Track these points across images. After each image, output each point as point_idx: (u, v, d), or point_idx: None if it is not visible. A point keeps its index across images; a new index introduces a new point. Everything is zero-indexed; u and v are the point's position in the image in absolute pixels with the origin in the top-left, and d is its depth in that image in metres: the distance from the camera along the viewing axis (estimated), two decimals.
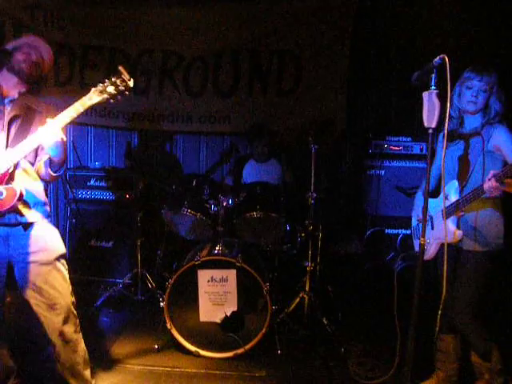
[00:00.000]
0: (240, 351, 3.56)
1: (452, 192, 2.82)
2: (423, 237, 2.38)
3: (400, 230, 4.92)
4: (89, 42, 5.32)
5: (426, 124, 2.29)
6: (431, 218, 3.02)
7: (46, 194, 2.74)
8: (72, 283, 2.77)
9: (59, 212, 5.05)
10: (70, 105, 5.23)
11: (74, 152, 5.24)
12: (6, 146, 2.49)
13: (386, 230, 4.95)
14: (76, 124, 5.38)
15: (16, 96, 2.60)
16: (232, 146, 5.33)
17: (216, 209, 3.88)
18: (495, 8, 4.41)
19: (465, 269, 2.86)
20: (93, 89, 2.45)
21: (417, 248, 3.00)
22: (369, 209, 4.96)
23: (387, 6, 4.85)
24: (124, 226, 4.83)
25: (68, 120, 2.41)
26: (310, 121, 5.04)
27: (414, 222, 3.26)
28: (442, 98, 2.23)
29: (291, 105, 5.26)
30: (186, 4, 5.18)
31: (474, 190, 2.64)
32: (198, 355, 3.58)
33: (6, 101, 2.58)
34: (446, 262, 2.42)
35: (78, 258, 4.79)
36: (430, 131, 2.29)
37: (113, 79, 2.44)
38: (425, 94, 2.28)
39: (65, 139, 2.45)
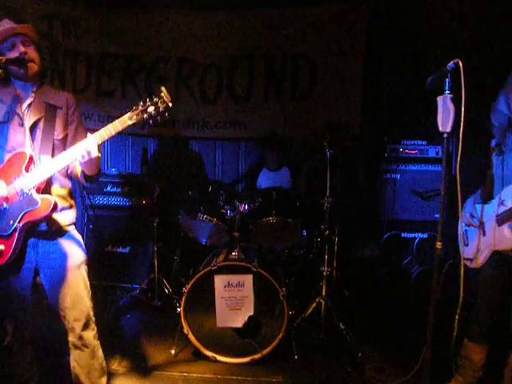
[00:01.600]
0: (257, 356, 3.56)
1: (508, 197, 2.75)
2: (439, 241, 2.36)
3: (416, 234, 4.90)
4: (105, 49, 5.41)
5: (440, 128, 2.27)
6: (483, 224, 2.93)
7: (72, 197, 2.75)
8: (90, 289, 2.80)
9: (76, 218, 5.08)
10: (87, 113, 5.36)
11: None
12: (34, 152, 2.50)
13: (403, 234, 4.93)
14: (92, 131, 5.44)
15: (32, 98, 2.58)
16: None
17: (232, 214, 3.90)
18: (509, 11, 4.38)
19: None
20: (133, 107, 2.41)
21: (465, 255, 2.98)
22: (385, 213, 4.94)
23: (401, 11, 4.83)
24: (141, 232, 4.86)
25: (106, 137, 2.39)
26: (324, 125, 5.02)
27: (461, 228, 3.10)
28: (456, 102, 2.22)
29: (306, 110, 5.26)
30: (201, 12, 5.24)
31: None
32: (215, 360, 3.59)
33: (24, 106, 2.56)
34: (462, 267, 2.41)
35: (95, 264, 4.80)
36: (445, 135, 2.28)
37: (154, 99, 2.40)
38: (439, 99, 2.26)
39: (100, 156, 2.43)
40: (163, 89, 2.42)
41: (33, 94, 2.59)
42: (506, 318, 2.91)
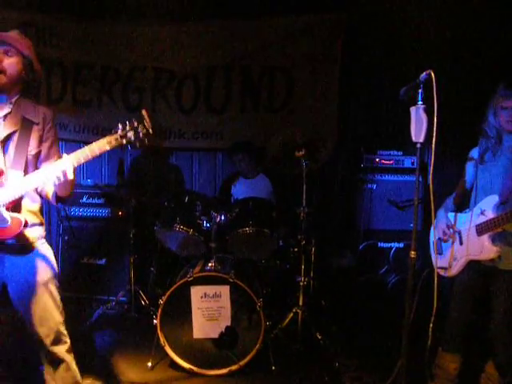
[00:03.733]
0: (234, 368, 3.54)
1: (490, 208, 2.77)
2: (413, 250, 2.39)
3: (393, 244, 4.93)
4: (81, 59, 5.36)
5: (413, 139, 2.30)
6: (459, 232, 2.96)
7: (42, 214, 2.68)
8: (65, 301, 2.72)
9: (52, 229, 5.02)
10: (62, 123, 5.30)
11: None
12: (5, 166, 2.42)
13: (379, 244, 4.96)
14: (68, 141, 5.39)
15: (9, 110, 2.50)
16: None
17: (209, 225, 3.88)
18: (481, 24, 4.47)
19: (503, 288, 2.81)
20: (112, 131, 2.35)
21: (439, 264, 3.01)
22: (361, 222, 4.96)
23: (377, 22, 4.89)
24: (117, 243, 4.81)
25: (83, 161, 2.33)
26: (301, 136, 5.04)
27: (432, 237, 3.16)
28: (429, 112, 2.25)
29: (283, 120, 5.28)
30: (178, 21, 5.24)
31: None
32: (192, 372, 3.56)
33: (0, 115, 2.48)
34: (436, 278, 2.43)
35: (70, 276, 4.76)
36: (418, 146, 2.31)
37: (134, 124, 2.35)
38: (412, 109, 2.30)
39: (73, 178, 2.36)
40: (144, 113, 2.37)
41: (10, 106, 2.51)
42: (480, 327, 2.95)
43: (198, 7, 5.16)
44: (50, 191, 2.58)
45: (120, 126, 2.36)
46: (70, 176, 2.31)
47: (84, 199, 4.94)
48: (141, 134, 2.35)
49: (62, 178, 2.30)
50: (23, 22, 5.19)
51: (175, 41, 5.29)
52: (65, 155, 2.33)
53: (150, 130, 2.36)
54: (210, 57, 5.29)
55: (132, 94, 5.40)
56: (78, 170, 5.35)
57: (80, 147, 5.43)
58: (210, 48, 5.26)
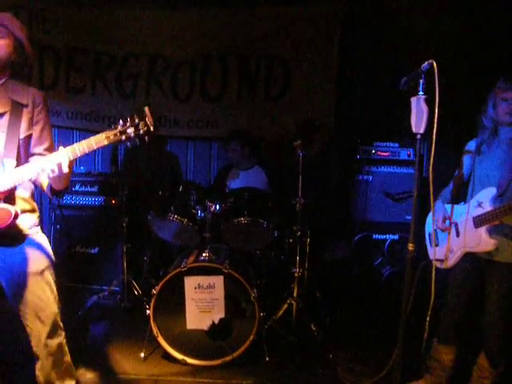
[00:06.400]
0: (228, 359, 3.52)
1: (487, 200, 2.76)
2: (412, 243, 2.36)
3: (388, 236, 4.92)
4: (74, 44, 5.28)
5: (414, 130, 2.26)
6: (456, 224, 2.95)
7: (34, 199, 2.59)
8: (57, 290, 2.65)
9: (44, 218, 4.96)
10: (55, 109, 5.21)
11: None
12: None
13: (374, 236, 4.95)
14: (61, 128, 5.33)
15: None
16: None
17: (203, 214, 3.85)
18: (482, 15, 4.44)
19: (498, 280, 2.81)
20: (112, 126, 2.25)
21: (432, 256, 2.99)
22: (356, 214, 4.95)
23: (374, 12, 4.86)
24: (110, 232, 4.77)
25: (79, 154, 2.23)
26: (297, 126, 5.01)
27: (428, 228, 3.16)
28: (430, 103, 2.22)
29: (279, 110, 5.24)
30: (174, 8, 5.17)
31: None
32: (185, 363, 3.53)
33: None
34: (433, 270, 2.41)
35: (63, 265, 4.71)
36: (418, 137, 2.28)
37: (136, 121, 2.25)
38: (413, 100, 2.26)
39: (69, 172, 2.26)
40: (147, 110, 2.28)
41: None
42: (475, 319, 2.94)
43: None
44: (44, 183, 2.49)
45: (120, 122, 2.26)
46: (66, 169, 2.22)
47: (77, 187, 4.89)
48: (141, 132, 2.25)
49: (56, 171, 2.22)
50: (16, 4, 5.10)
51: (171, 28, 5.22)
52: (61, 148, 2.24)
53: (152, 128, 2.27)
54: (207, 45, 5.23)
55: (126, 80, 5.33)
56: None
57: (73, 134, 5.39)
58: (206, 36, 5.19)
